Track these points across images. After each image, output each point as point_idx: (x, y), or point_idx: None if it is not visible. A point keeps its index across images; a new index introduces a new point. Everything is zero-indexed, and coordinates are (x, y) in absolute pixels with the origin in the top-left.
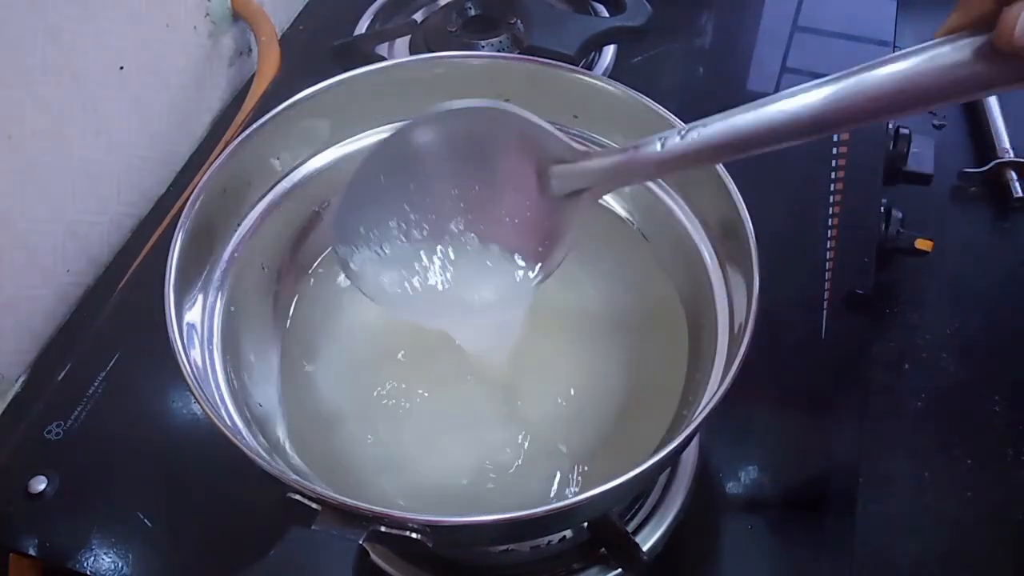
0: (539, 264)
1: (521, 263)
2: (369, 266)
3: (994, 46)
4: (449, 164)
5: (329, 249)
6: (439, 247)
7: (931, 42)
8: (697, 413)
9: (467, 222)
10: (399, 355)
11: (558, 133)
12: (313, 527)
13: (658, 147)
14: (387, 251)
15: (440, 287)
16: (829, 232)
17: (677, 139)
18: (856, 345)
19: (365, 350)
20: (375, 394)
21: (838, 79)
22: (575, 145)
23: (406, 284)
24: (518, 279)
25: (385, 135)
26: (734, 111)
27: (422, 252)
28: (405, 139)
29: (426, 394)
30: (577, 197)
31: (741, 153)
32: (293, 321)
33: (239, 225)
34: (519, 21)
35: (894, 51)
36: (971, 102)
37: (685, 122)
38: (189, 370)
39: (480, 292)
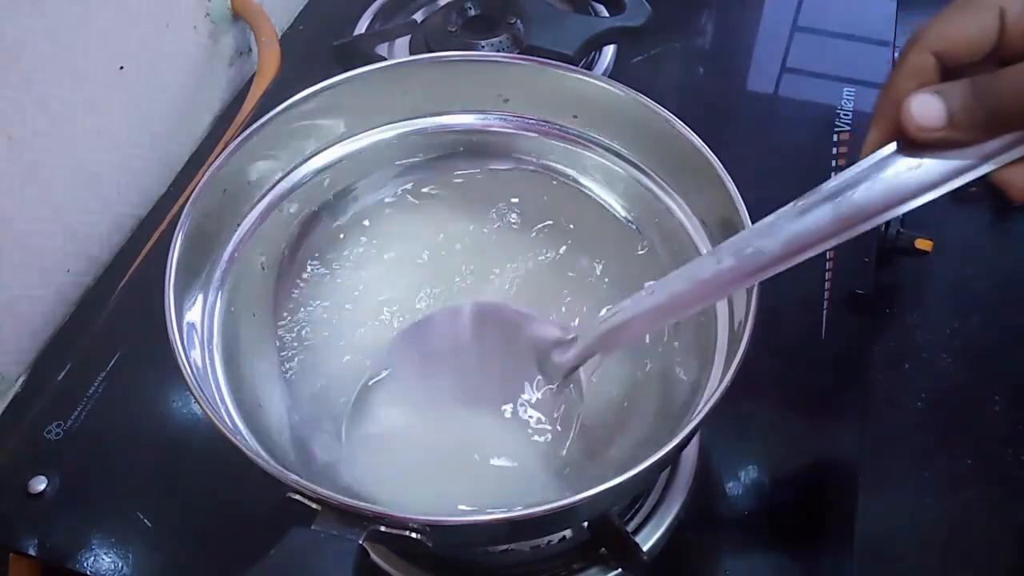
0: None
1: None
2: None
3: (908, 141)
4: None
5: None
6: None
7: (865, 160)
8: (697, 412)
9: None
10: (399, 354)
11: (543, 320)
12: (313, 527)
13: (622, 313)
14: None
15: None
16: None
17: (642, 301)
18: (856, 345)
19: (365, 349)
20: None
21: (764, 232)
22: (560, 332)
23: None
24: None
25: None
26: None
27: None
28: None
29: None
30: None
31: (700, 306)
32: (293, 321)
33: (239, 225)
34: (519, 21)
35: (894, 51)
36: None
37: (684, 121)
38: (189, 370)
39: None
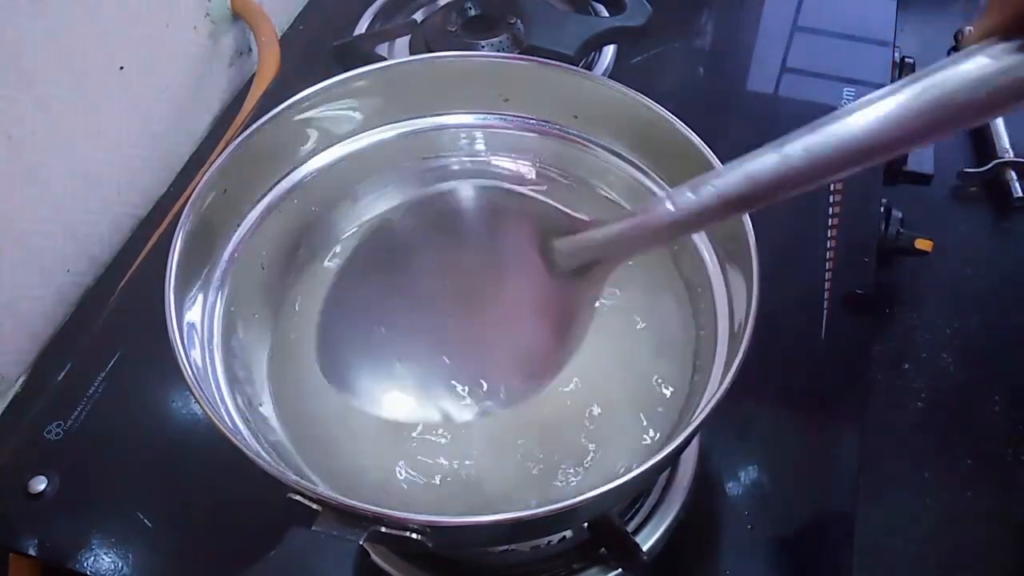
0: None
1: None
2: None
3: None
4: (437, 262)
5: (330, 249)
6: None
7: (963, 52)
8: (697, 413)
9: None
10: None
11: (556, 204)
12: (313, 527)
13: (669, 206)
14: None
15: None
16: (829, 232)
17: (689, 196)
18: (856, 345)
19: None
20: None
21: (856, 109)
22: (576, 215)
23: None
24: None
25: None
26: (750, 155)
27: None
28: (385, 235)
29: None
30: (586, 275)
31: (762, 203)
32: (292, 321)
33: (239, 225)
34: (519, 21)
35: (893, 51)
36: None
37: (684, 121)
38: (189, 370)
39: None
